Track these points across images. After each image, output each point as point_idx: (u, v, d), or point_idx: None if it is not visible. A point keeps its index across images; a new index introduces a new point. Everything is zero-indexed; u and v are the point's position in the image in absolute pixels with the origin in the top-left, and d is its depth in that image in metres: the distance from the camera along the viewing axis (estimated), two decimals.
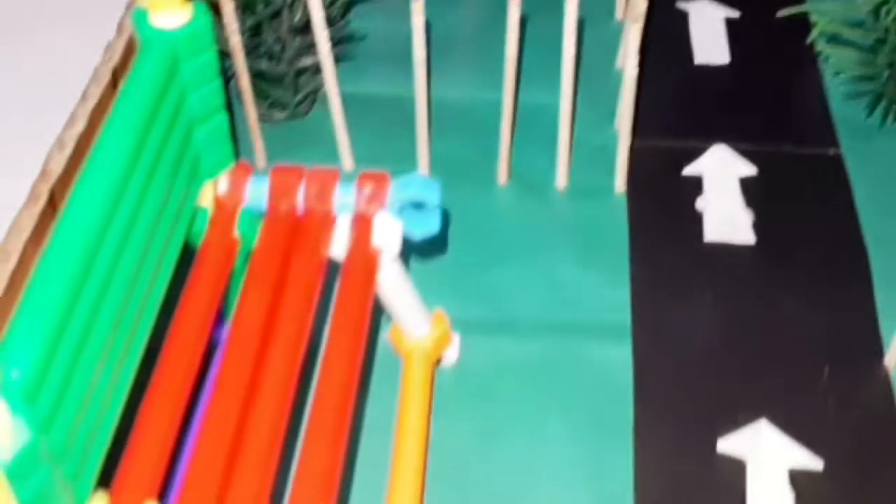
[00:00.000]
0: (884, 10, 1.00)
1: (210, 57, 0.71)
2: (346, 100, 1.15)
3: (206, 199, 0.76)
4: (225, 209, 0.76)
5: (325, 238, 0.76)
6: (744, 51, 1.23)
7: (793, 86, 1.17)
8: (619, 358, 0.94)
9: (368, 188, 0.77)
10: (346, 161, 1.12)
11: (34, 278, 0.53)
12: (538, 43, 1.20)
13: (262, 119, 1.13)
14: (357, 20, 1.24)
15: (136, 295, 0.63)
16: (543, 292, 1.00)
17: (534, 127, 1.15)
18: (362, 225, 0.77)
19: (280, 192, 0.77)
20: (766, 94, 1.17)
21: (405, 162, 1.11)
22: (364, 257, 0.75)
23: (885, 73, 1.04)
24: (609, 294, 1.00)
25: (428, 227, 0.79)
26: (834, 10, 1.02)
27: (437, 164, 1.11)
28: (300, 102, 1.13)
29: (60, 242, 0.55)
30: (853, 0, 1.01)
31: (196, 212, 0.75)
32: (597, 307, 0.99)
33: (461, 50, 1.25)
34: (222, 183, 0.77)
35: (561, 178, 1.10)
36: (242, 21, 1.05)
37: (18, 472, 0.47)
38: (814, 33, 1.00)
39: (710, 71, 1.21)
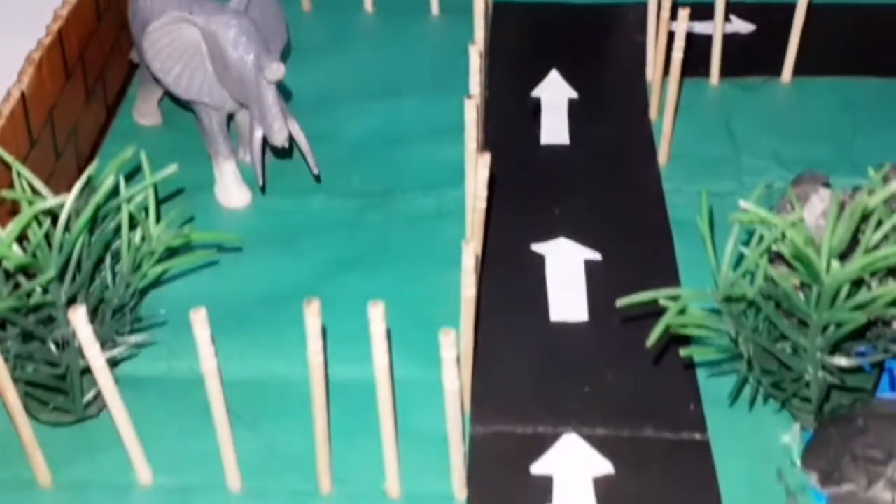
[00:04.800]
0: (733, 304, 0.89)
1: None
2: (151, 386, 1.02)
3: None
4: None
5: None
6: (607, 309, 1.08)
7: (659, 360, 1.04)
8: None
9: None
10: (142, 472, 0.96)
11: None
12: (354, 300, 1.08)
13: (48, 424, 0.98)
14: (168, 292, 1.11)
15: None
16: None
17: (361, 409, 1.00)
18: None
19: None
20: (630, 370, 1.03)
21: (210, 468, 0.96)
22: None
23: (747, 357, 0.92)
24: None
25: None
26: (687, 295, 0.89)
27: (250, 471, 0.96)
28: (90, 403, 0.98)
29: None
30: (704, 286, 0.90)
31: None
32: None
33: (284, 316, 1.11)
34: None
35: (392, 485, 0.95)
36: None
37: None
38: (657, 331, 0.87)
39: (566, 330, 1.09)
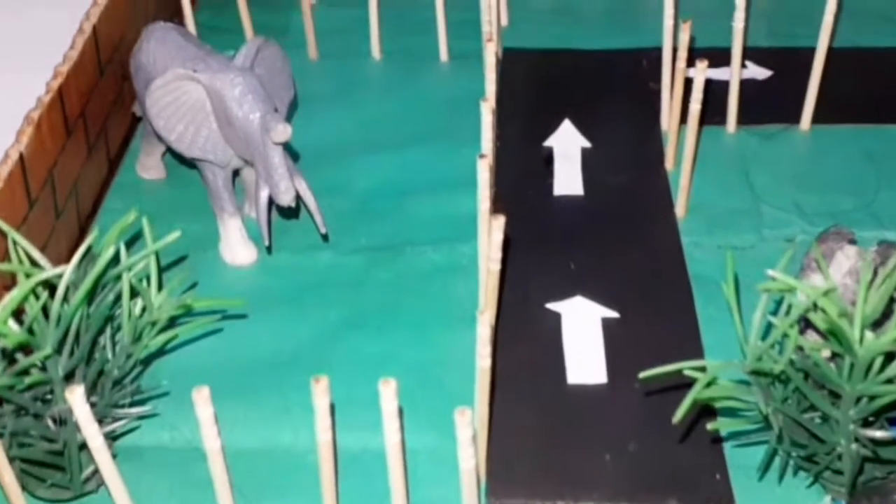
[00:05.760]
0: (762, 376, 0.85)
1: None
2: (152, 456, 0.99)
3: None
4: None
5: None
6: (627, 370, 1.04)
7: (683, 427, 0.99)
8: None
9: None
10: None
11: None
12: (363, 362, 1.05)
13: (45, 500, 0.94)
14: (170, 356, 1.07)
15: None
16: None
17: (371, 479, 0.96)
18: None
19: None
20: (653, 437, 0.99)
21: None
22: None
23: (777, 430, 0.88)
24: None
25: None
26: (713, 367, 0.85)
27: None
28: (89, 478, 0.94)
29: None
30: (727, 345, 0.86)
31: None
32: None
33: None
34: None
35: None
36: None
37: None
38: (684, 406, 0.83)
39: (585, 394, 1.04)
